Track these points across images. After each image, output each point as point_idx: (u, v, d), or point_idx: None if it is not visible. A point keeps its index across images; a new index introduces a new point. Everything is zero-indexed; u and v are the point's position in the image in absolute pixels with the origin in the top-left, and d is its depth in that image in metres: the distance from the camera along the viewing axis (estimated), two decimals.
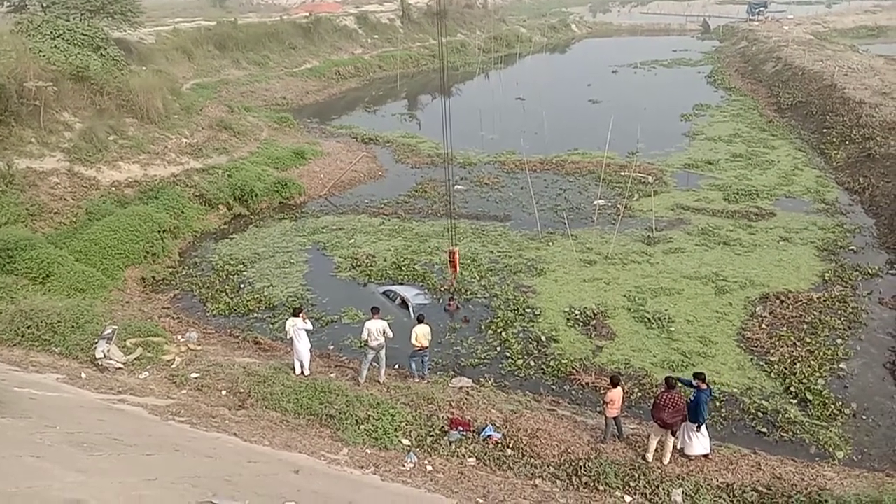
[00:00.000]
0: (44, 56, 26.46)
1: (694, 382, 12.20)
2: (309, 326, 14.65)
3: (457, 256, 18.67)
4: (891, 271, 20.61)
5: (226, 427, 12.03)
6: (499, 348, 16.89)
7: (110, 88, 28.23)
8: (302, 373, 14.59)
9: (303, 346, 14.43)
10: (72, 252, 19.59)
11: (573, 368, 15.80)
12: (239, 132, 32.46)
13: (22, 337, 14.64)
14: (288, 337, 14.65)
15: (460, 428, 12.80)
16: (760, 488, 11.47)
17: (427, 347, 14.91)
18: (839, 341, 16.67)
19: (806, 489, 11.34)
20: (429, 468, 11.76)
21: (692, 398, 12.07)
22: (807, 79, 45.07)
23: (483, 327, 17.88)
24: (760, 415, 14.04)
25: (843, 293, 18.97)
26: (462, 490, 11.12)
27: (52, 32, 29.53)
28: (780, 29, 74.86)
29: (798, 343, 16.53)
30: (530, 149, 33.83)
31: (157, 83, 30.91)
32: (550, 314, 18.37)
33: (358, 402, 13.19)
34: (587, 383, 15.28)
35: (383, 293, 19.81)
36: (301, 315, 14.60)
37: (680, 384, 12.21)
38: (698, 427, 12.01)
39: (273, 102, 48.42)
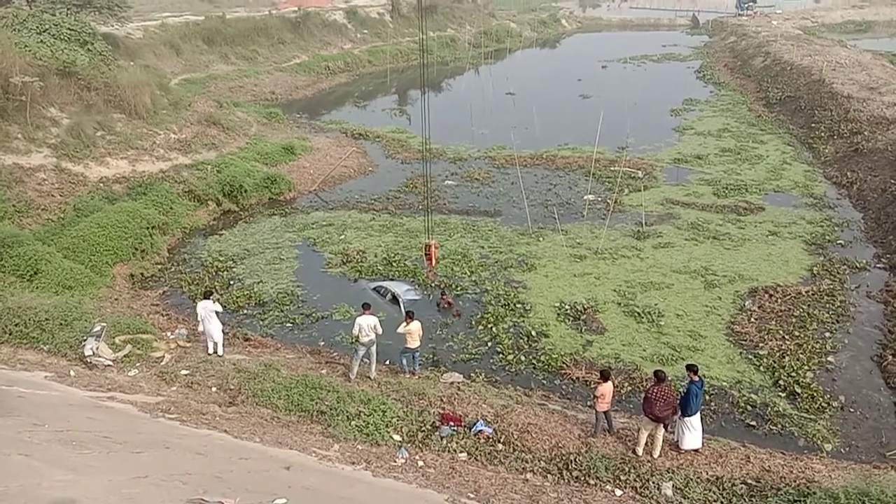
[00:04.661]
0: (30, 51, 26.18)
1: (686, 374, 12.29)
2: (219, 308, 15.30)
3: (433, 249, 18.59)
4: (878, 265, 20.80)
5: (216, 424, 12.00)
6: (489, 343, 16.91)
7: (97, 84, 28.01)
8: (215, 352, 15.12)
9: (214, 327, 15.00)
10: (60, 249, 19.42)
11: (564, 363, 15.84)
12: (228, 127, 32.26)
13: (10, 335, 14.52)
14: (200, 319, 15.00)
15: (451, 423, 12.82)
16: (750, 481, 11.56)
17: (419, 344, 14.97)
18: (827, 335, 16.81)
19: (794, 481, 11.44)
20: (420, 463, 11.79)
21: (684, 390, 12.14)
22: (795, 74, 45.30)
23: (474, 322, 17.89)
24: (749, 408, 14.14)
25: (832, 287, 19.12)
26: (453, 485, 11.15)
27: (37, 27, 29.22)
28: (768, 24, 75.27)
29: (787, 336, 16.65)
30: (520, 144, 33.85)
31: (144, 78, 30.66)
32: (541, 309, 18.40)
33: (349, 398, 13.18)
34: (578, 378, 15.33)
35: (374, 289, 19.78)
36: (212, 298, 15.28)
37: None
38: (685, 416, 12.08)
39: (262, 98, 48.16)
